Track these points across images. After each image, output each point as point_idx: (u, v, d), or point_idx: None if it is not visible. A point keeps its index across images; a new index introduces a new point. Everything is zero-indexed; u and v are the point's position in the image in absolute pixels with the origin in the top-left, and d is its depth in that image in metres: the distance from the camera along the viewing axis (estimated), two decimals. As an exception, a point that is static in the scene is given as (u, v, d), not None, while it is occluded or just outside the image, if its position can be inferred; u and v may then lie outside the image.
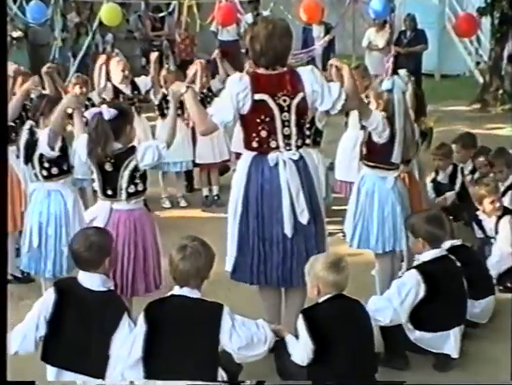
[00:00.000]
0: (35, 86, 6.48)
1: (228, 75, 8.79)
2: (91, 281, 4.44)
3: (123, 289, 5.10)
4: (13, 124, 6.51)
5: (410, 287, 4.93)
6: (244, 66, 8.95)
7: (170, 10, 11.81)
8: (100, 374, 4.35)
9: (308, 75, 4.99)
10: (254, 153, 5.01)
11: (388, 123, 5.66)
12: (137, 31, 16.23)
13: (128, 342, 4.28)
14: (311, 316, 4.52)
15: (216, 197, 8.95)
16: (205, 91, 8.67)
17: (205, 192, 9.06)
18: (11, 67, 8.07)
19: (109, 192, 5.13)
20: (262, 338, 4.35)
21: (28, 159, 5.71)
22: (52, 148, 5.55)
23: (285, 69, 5.02)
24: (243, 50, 15.33)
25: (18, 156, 6.06)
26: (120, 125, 5.10)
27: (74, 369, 4.38)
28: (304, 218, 4.98)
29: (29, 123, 5.75)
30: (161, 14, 13.97)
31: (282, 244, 4.98)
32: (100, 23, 11.82)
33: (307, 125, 5.76)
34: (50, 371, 4.47)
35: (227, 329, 4.17)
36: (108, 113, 5.06)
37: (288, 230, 4.95)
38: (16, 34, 14.31)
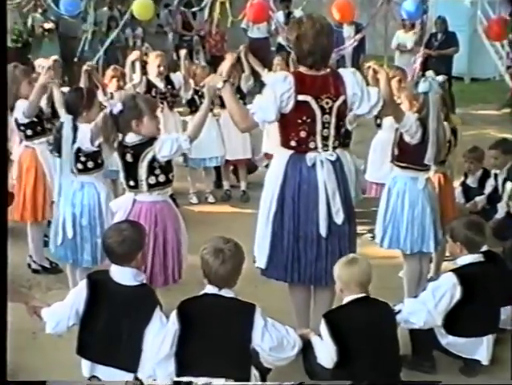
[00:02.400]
0: (52, 79, 6.51)
1: (253, 72, 8.85)
2: (123, 275, 4.46)
3: None
4: (35, 120, 6.58)
5: (445, 290, 4.90)
6: (273, 63, 8.95)
7: (202, 5, 11.78)
8: (132, 368, 4.37)
9: (351, 78, 4.98)
10: (291, 152, 5.00)
11: (421, 124, 5.64)
12: (168, 26, 16.28)
13: (158, 338, 4.30)
14: (334, 319, 4.52)
15: (242, 193, 8.99)
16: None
17: (226, 186, 9.14)
18: (42, 61, 8.17)
19: (131, 183, 5.18)
20: (291, 342, 4.35)
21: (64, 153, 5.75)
22: (93, 144, 5.59)
23: (328, 70, 5.00)
24: (273, 48, 15.41)
25: (51, 151, 6.10)
26: (123, 119, 5.11)
27: (107, 363, 4.41)
28: (339, 218, 4.98)
29: (68, 117, 5.76)
30: (193, 10, 13.98)
31: (317, 243, 4.99)
32: (131, 17, 11.81)
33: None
34: (85, 365, 4.49)
35: (259, 328, 4.17)
36: (112, 107, 5.12)
37: (323, 230, 4.96)
38: (48, 25, 14.40)
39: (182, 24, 16.00)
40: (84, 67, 7.17)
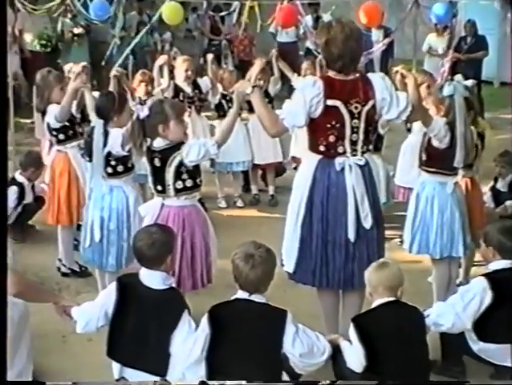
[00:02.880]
0: (83, 84, 6.55)
1: (283, 76, 8.85)
2: (152, 279, 4.47)
3: None
4: (67, 124, 6.61)
5: (475, 293, 4.85)
6: (301, 67, 8.95)
7: (231, 9, 11.81)
8: (161, 372, 4.37)
9: (380, 83, 4.97)
10: (320, 156, 5.00)
11: (449, 128, 5.62)
12: (196, 30, 16.32)
13: (189, 342, 4.29)
14: (363, 323, 4.51)
15: (271, 197, 8.99)
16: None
17: (254, 190, 9.15)
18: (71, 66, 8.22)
19: (159, 188, 5.20)
20: (321, 349, 4.34)
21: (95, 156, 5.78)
22: (124, 149, 5.62)
23: (357, 75, 4.99)
24: (301, 52, 15.40)
25: (83, 155, 6.13)
26: (150, 124, 5.14)
27: (135, 366, 4.42)
28: (368, 223, 4.97)
29: (99, 122, 5.79)
30: (222, 14, 14.02)
31: (345, 248, 4.98)
32: (159, 21, 11.86)
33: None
34: (115, 367, 4.51)
35: (291, 334, 4.16)
36: (140, 112, 5.13)
37: (351, 235, 4.95)
38: (77, 30, 14.48)
39: (211, 28, 16.03)
40: (113, 72, 7.20)
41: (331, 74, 4.99)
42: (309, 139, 5.07)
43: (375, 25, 12.27)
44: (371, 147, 5.16)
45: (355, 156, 4.98)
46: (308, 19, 14.03)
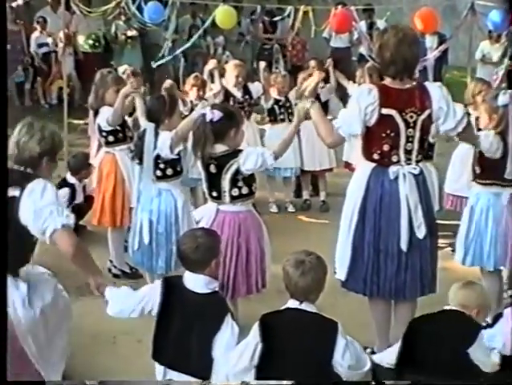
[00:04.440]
0: (134, 89, 6.60)
1: (338, 84, 8.85)
2: (195, 282, 4.43)
3: (223, 289, 5.14)
4: (118, 127, 6.66)
5: None
6: (356, 75, 8.91)
7: (285, 14, 11.82)
8: (203, 375, 4.34)
9: (437, 92, 4.92)
10: (374, 165, 4.97)
11: (501, 139, 5.55)
12: (249, 34, 16.35)
13: (231, 347, 4.27)
14: (417, 328, 4.44)
15: (322, 203, 8.97)
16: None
17: (306, 195, 9.14)
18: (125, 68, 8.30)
19: (214, 194, 5.19)
20: (364, 360, 4.28)
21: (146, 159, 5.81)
22: (173, 152, 5.63)
23: (414, 83, 4.95)
24: (354, 58, 15.34)
25: (133, 158, 6.15)
26: (224, 127, 5.15)
27: (177, 368, 4.40)
28: (421, 233, 4.92)
29: (150, 125, 5.82)
30: (276, 19, 14.01)
31: (397, 257, 4.94)
32: (212, 25, 11.91)
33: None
34: (158, 370, 4.51)
35: (341, 346, 4.11)
36: (211, 115, 5.11)
37: (404, 244, 4.91)
38: (131, 33, 14.60)
39: (263, 33, 16.02)
40: (164, 85, 7.25)
41: (387, 82, 4.96)
42: (363, 147, 5.04)
43: (430, 31, 12.16)
44: (424, 156, 5.11)
45: (409, 164, 4.94)
46: (362, 25, 13.97)
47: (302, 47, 15.80)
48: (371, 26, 14.55)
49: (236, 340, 4.28)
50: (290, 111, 8.71)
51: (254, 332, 4.19)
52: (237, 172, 5.08)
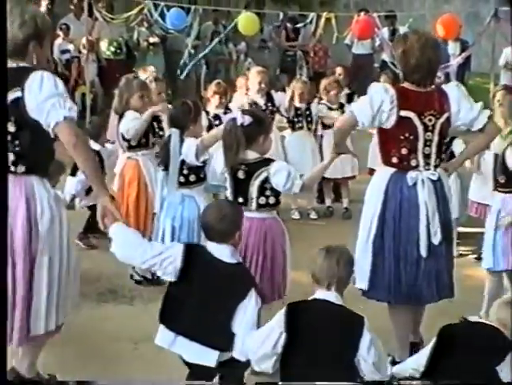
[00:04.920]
0: (163, 112, 6.64)
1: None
2: (220, 251, 4.35)
3: None
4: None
5: None
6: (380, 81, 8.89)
7: (307, 21, 11.84)
8: (220, 346, 4.25)
9: (454, 92, 4.93)
10: (393, 170, 4.95)
11: None
12: (271, 41, 16.36)
13: (261, 333, 4.16)
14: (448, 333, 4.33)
15: (345, 210, 8.96)
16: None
17: (328, 202, 9.14)
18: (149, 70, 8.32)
19: (240, 200, 5.13)
20: (387, 362, 4.26)
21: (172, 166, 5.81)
22: (198, 159, 5.63)
23: (433, 87, 4.93)
24: (376, 64, 15.33)
25: (159, 165, 6.13)
26: (253, 133, 5.08)
27: (193, 338, 4.27)
28: (437, 239, 4.90)
29: (176, 131, 5.82)
30: (299, 25, 14.02)
31: (416, 263, 4.90)
32: (234, 31, 11.95)
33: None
34: (165, 337, 4.36)
35: (367, 341, 4.05)
36: (242, 119, 5.09)
37: (423, 251, 4.88)
38: (153, 39, 14.65)
39: (286, 39, 16.02)
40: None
41: (406, 85, 4.94)
42: (382, 151, 5.03)
43: (452, 37, 12.18)
44: (443, 160, 5.09)
45: (428, 170, 4.91)
46: (385, 31, 13.96)
47: (325, 54, 15.77)
48: (393, 32, 14.50)
49: (257, 316, 4.22)
50: (309, 119, 8.76)
51: (279, 321, 4.11)
52: (266, 180, 5.03)
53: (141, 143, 6.69)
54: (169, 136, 5.87)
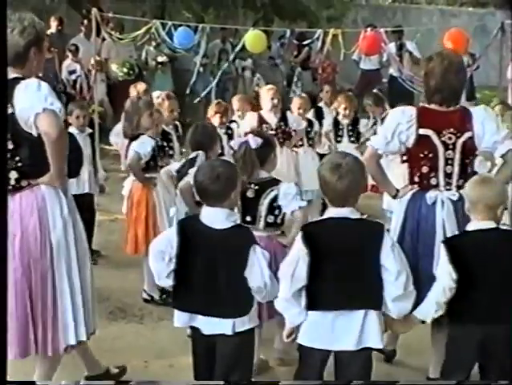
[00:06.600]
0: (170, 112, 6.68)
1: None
2: (215, 217, 4.24)
3: None
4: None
5: None
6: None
7: (315, 37, 11.85)
8: (236, 314, 4.22)
9: (480, 113, 4.93)
10: (414, 189, 4.96)
11: None
12: (279, 58, 16.37)
13: (290, 266, 4.08)
14: (456, 245, 4.31)
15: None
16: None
17: None
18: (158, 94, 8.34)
19: (248, 219, 5.13)
20: (411, 282, 4.12)
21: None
22: None
23: (458, 106, 4.95)
24: (384, 80, 15.34)
25: (175, 186, 6.11)
26: (265, 153, 5.20)
27: (208, 313, 4.25)
28: None
29: (202, 153, 5.83)
30: (306, 42, 14.02)
31: (429, 283, 4.83)
32: (240, 48, 11.97)
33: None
34: (181, 317, 4.35)
35: (388, 247, 4.00)
36: (255, 142, 5.14)
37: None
38: (161, 58, 14.70)
39: (294, 56, 16.05)
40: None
41: (428, 105, 4.98)
42: (409, 171, 5.04)
43: (460, 52, 12.06)
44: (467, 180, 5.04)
45: (448, 189, 4.90)
46: (392, 47, 13.97)
47: (333, 70, 15.80)
48: (400, 47, 14.55)
49: (268, 268, 4.16)
50: (309, 136, 8.82)
51: (299, 244, 4.05)
52: (276, 199, 5.07)
53: (150, 165, 6.64)
54: (195, 157, 5.83)
